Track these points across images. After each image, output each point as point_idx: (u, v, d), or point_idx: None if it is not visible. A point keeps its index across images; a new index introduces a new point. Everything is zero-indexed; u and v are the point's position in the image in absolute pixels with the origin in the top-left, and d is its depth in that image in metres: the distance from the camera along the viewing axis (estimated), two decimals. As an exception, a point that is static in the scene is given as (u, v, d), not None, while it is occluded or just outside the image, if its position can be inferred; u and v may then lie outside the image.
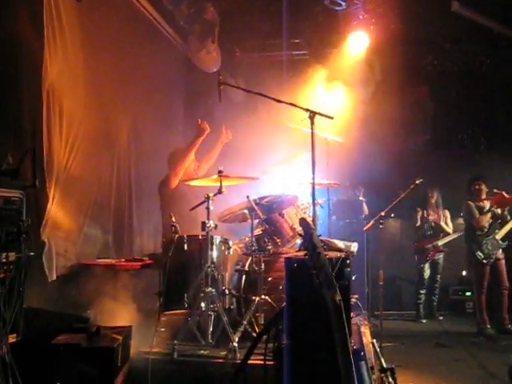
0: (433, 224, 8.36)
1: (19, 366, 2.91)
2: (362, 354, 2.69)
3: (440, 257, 8.35)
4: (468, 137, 9.39)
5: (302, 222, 2.55)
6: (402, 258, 8.58)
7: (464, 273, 8.81)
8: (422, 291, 8.29)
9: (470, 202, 7.44)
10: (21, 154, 3.50)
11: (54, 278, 4.96)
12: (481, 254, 7.19)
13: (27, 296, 3.25)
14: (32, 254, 3.25)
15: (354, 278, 4.93)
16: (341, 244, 4.49)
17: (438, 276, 8.38)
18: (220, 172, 4.83)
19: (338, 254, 2.68)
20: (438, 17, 7.59)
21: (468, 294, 8.54)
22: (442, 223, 8.33)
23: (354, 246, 4.72)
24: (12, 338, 3.03)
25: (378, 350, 4.09)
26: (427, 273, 8.29)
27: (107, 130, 6.07)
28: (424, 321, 8.16)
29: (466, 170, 7.93)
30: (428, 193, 8.32)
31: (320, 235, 2.59)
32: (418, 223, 8.39)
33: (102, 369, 3.46)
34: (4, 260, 3.00)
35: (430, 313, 8.33)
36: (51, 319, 3.79)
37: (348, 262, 2.72)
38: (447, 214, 8.44)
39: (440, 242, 8.26)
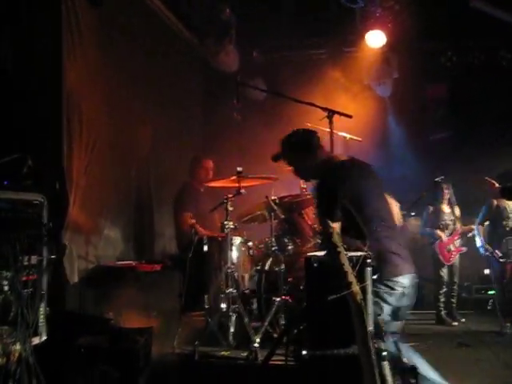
0: (449, 221, 8.09)
1: (42, 367, 2.93)
2: (384, 353, 2.65)
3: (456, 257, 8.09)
4: (489, 133, 9.22)
5: (322, 221, 2.53)
6: (423, 257, 8.43)
7: (487, 271, 8.63)
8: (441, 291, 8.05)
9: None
10: (41, 157, 3.52)
11: (76, 280, 5.00)
12: (499, 252, 7.13)
13: (49, 298, 3.28)
14: (53, 256, 3.27)
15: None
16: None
17: (455, 277, 8.11)
18: (239, 173, 4.82)
19: (359, 253, 2.65)
20: (456, 12, 7.49)
21: (491, 292, 8.38)
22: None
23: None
24: (35, 340, 3.06)
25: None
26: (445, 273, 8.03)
27: (127, 134, 6.09)
28: (455, 323, 7.88)
29: (488, 167, 7.77)
30: (443, 188, 7.99)
31: (340, 234, 2.56)
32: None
33: (124, 370, 3.48)
34: (26, 263, 3.02)
35: (450, 315, 8.08)
36: (73, 321, 3.81)
37: (369, 261, 2.69)
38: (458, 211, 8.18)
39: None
